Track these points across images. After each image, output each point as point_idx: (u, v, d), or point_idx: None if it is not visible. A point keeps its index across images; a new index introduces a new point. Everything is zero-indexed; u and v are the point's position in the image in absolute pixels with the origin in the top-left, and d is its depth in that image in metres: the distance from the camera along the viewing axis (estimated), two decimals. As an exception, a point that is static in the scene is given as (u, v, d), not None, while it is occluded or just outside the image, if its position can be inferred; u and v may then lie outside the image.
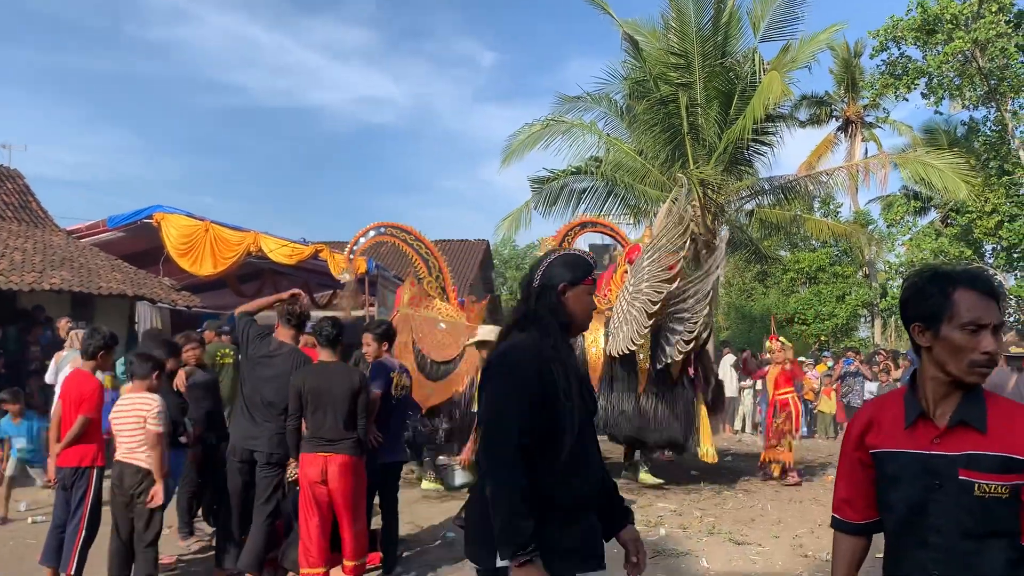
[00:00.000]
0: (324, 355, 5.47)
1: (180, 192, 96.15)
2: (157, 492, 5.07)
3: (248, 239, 15.63)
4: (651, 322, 8.38)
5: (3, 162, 16.82)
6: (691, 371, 9.13)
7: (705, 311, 8.48)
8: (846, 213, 32.02)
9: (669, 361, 8.69)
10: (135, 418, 5.06)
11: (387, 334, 6.27)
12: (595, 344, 9.02)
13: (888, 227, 29.79)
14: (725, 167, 18.18)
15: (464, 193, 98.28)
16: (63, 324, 11.42)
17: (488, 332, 7.07)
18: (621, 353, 8.63)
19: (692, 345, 8.62)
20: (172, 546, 6.36)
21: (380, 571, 5.81)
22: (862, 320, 33.16)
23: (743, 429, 16.81)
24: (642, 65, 18.00)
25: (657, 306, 8.29)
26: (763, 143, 18.06)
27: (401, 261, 30.12)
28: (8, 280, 11.25)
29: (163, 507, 5.18)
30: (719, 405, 10.33)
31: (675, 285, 8.38)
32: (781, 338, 11.58)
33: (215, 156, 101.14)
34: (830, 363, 18.43)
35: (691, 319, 8.58)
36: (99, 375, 5.56)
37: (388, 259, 30.03)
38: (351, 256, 10.39)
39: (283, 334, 5.74)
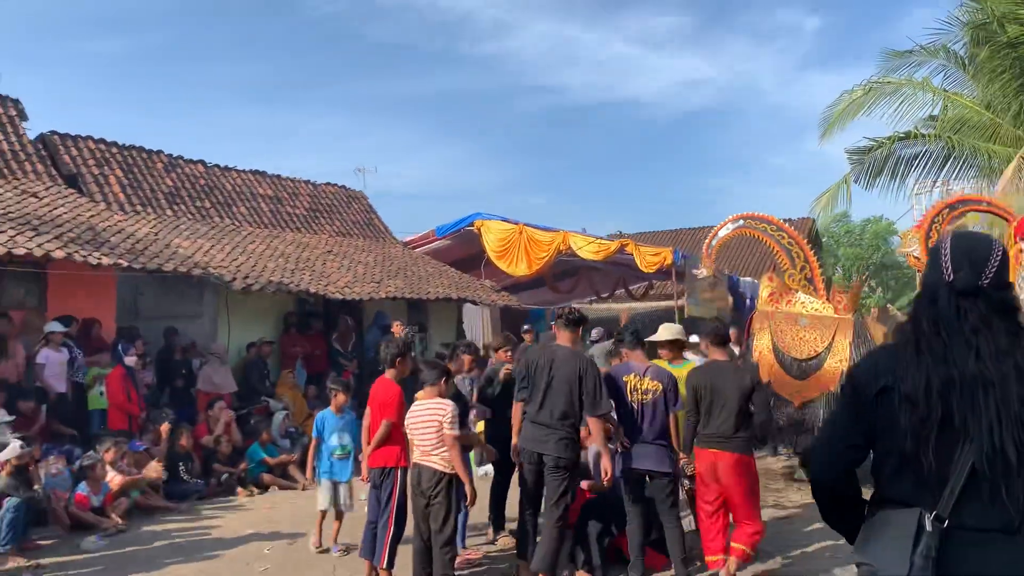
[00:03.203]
0: (716, 354, 5.90)
1: (514, 194, 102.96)
2: (469, 492, 5.37)
3: (558, 239, 16.16)
4: None
5: (359, 185, 19.11)
6: None
7: None
8: None
9: None
10: (430, 422, 5.35)
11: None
12: None
13: None
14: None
15: (793, 169, 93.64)
16: (396, 327, 12.65)
17: (669, 331, 6.57)
18: None
19: None
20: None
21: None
22: None
23: None
24: (983, 6, 15.65)
25: None
26: None
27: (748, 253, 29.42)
28: (352, 291, 12.66)
29: (459, 508, 5.42)
30: None
31: None
32: None
33: (544, 157, 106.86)
34: None
35: None
36: None
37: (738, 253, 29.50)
38: (709, 252, 10.01)
39: (563, 337, 5.76)
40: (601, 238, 17.31)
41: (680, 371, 6.15)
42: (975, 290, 2.05)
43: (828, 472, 2.21)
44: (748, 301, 20.34)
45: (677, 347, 6.48)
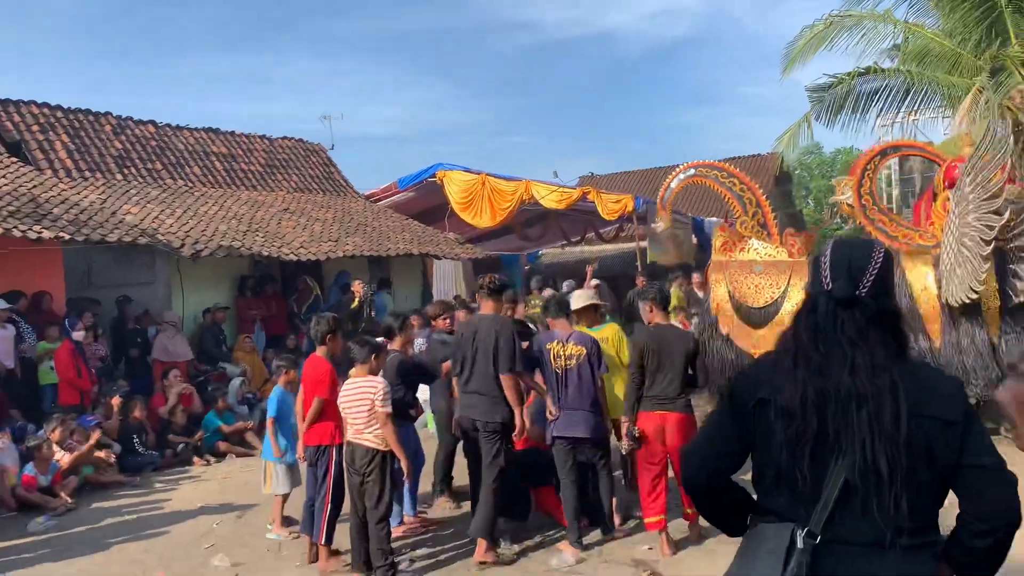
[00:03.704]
0: (659, 317, 5.77)
1: (493, 135, 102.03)
2: (405, 467, 5.43)
3: (520, 188, 16.02)
4: (988, 264, 7.06)
5: (326, 133, 18.68)
6: None
7: None
8: None
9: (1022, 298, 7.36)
10: (361, 400, 5.32)
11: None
12: (926, 291, 7.84)
13: None
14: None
15: (771, 99, 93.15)
16: (356, 286, 12.57)
17: (581, 299, 6.50)
18: (961, 302, 7.38)
19: None
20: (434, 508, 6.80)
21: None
22: None
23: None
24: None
25: (991, 244, 6.93)
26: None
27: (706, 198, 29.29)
28: (308, 251, 12.52)
29: (394, 486, 5.44)
30: None
31: (1006, 215, 6.93)
32: None
33: (520, 96, 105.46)
34: None
35: None
36: None
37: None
38: (663, 204, 9.91)
39: (486, 307, 5.87)
40: (564, 186, 17.20)
41: (600, 332, 6.23)
42: (853, 299, 2.01)
43: (699, 476, 2.19)
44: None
45: (592, 311, 6.43)
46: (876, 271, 2.04)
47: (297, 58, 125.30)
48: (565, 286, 13.72)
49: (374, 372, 5.44)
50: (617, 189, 28.73)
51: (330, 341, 5.77)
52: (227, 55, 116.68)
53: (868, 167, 8.41)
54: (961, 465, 1.91)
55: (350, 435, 5.41)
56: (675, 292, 12.05)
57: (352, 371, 5.49)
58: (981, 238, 6.88)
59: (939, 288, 7.57)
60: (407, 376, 6.04)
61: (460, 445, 6.22)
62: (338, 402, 5.47)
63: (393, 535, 6.08)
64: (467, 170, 16.66)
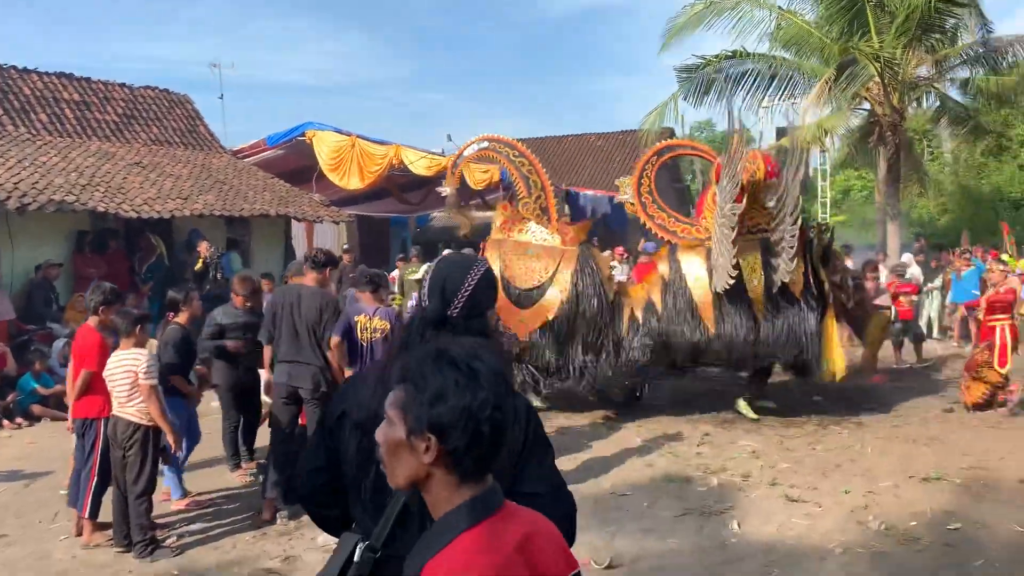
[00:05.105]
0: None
1: (412, 90, 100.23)
2: (172, 440, 5.39)
3: (391, 152, 15.90)
4: (735, 249, 7.49)
5: (215, 82, 17.70)
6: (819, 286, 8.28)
7: (795, 220, 7.51)
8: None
9: (783, 281, 7.82)
10: (125, 373, 5.23)
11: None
12: (698, 280, 8.21)
13: None
14: (913, 37, 15.72)
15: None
16: (203, 247, 12.26)
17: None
18: (724, 289, 7.79)
19: (795, 262, 7.73)
20: (222, 479, 6.76)
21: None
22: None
23: (929, 334, 14.89)
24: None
25: (734, 231, 7.35)
26: (958, 3, 15.33)
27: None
28: (152, 208, 12.10)
29: (155, 461, 5.39)
30: (864, 309, 9.30)
31: (743, 205, 7.37)
32: (1004, 255, 9.96)
33: (443, 51, 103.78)
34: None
35: (789, 233, 7.63)
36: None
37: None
38: (453, 171, 9.99)
39: (309, 278, 6.04)
40: (434, 153, 17.14)
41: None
42: (443, 320, 2.03)
43: (300, 488, 2.21)
44: (589, 213, 20.72)
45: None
46: (469, 292, 2.07)
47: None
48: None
49: (140, 344, 5.36)
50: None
51: (103, 313, 5.62)
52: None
53: (646, 167, 8.73)
54: (515, 492, 1.89)
55: (114, 409, 5.32)
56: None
57: (120, 343, 5.39)
58: (728, 226, 7.31)
59: (710, 277, 7.98)
60: (186, 351, 5.96)
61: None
62: (104, 374, 5.36)
63: (173, 509, 6.10)
64: (338, 131, 16.42)
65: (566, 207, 19.23)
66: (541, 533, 1.43)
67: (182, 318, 6.18)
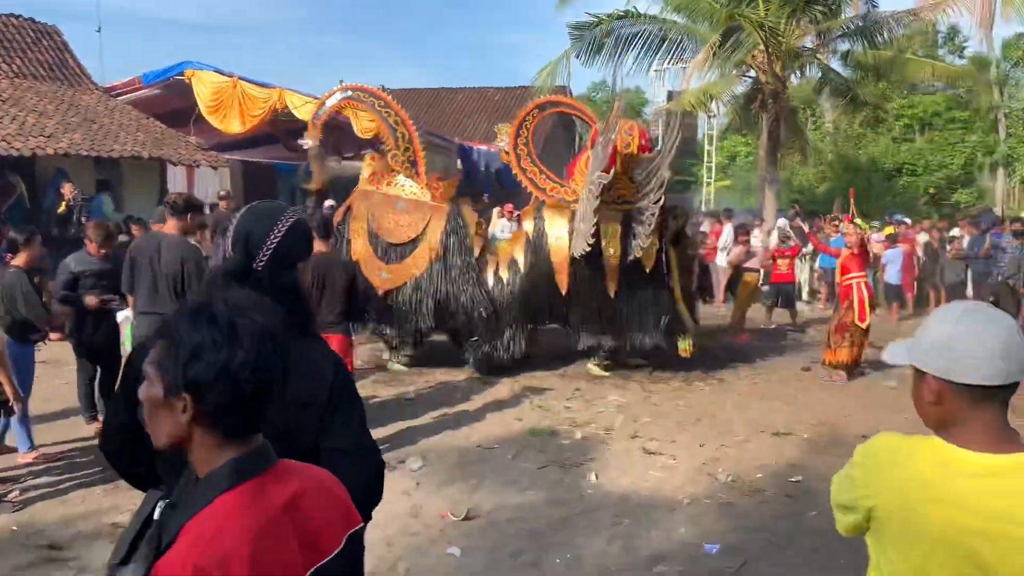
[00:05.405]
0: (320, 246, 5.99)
1: (308, 33, 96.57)
2: (10, 393, 5.19)
3: (274, 96, 15.32)
4: (595, 219, 7.56)
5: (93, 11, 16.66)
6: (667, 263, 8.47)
7: (658, 199, 7.67)
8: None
9: (637, 255, 7.95)
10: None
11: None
12: (559, 241, 8.28)
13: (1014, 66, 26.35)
14: (797, 7, 16.18)
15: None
16: (67, 189, 11.60)
17: None
18: (581, 255, 7.87)
19: (651, 239, 7.91)
20: (76, 431, 6.49)
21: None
22: (982, 171, 30.08)
23: (800, 296, 15.61)
24: None
25: (596, 201, 7.43)
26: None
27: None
28: (10, 146, 11.33)
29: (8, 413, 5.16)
30: (707, 292, 9.68)
31: (610, 175, 7.48)
32: (857, 219, 10.49)
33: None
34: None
35: (649, 208, 7.80)
36: None
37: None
38: (315, 121, 9.64)
39: (170, 225, 5.78)
40: (317, 97, 16.55)
41: None
42: (246, 273, 1.94)
43: (105, 444, 2.10)
44: (483, 169, 20.64)
45: None
46: (275, 244, 1.99)
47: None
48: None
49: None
50: (419, 105, 28.30)
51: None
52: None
53: (527, 119, 8.75)
54: (320, 448, 1.90)
55: (-51, 358, 5.02)
56: None
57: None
58: (595, 194, 7.43)
59: (570, 240, 8.11)
60: (28, 296, 5.64)
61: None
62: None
63: (20, 462, 5.83)
64: (219, 71, 15.68)
65: (459, 162, 19.22)
66: (316, 491, 1.41)
67: (20, 260, 5.80)
